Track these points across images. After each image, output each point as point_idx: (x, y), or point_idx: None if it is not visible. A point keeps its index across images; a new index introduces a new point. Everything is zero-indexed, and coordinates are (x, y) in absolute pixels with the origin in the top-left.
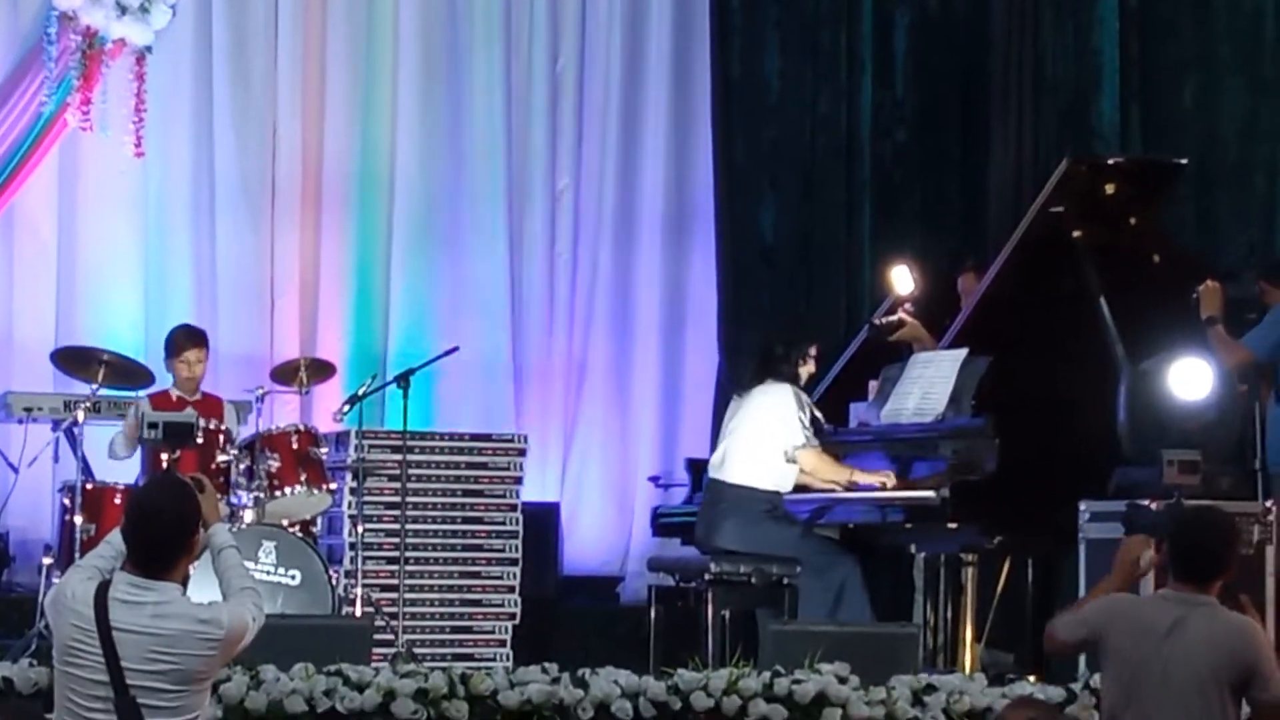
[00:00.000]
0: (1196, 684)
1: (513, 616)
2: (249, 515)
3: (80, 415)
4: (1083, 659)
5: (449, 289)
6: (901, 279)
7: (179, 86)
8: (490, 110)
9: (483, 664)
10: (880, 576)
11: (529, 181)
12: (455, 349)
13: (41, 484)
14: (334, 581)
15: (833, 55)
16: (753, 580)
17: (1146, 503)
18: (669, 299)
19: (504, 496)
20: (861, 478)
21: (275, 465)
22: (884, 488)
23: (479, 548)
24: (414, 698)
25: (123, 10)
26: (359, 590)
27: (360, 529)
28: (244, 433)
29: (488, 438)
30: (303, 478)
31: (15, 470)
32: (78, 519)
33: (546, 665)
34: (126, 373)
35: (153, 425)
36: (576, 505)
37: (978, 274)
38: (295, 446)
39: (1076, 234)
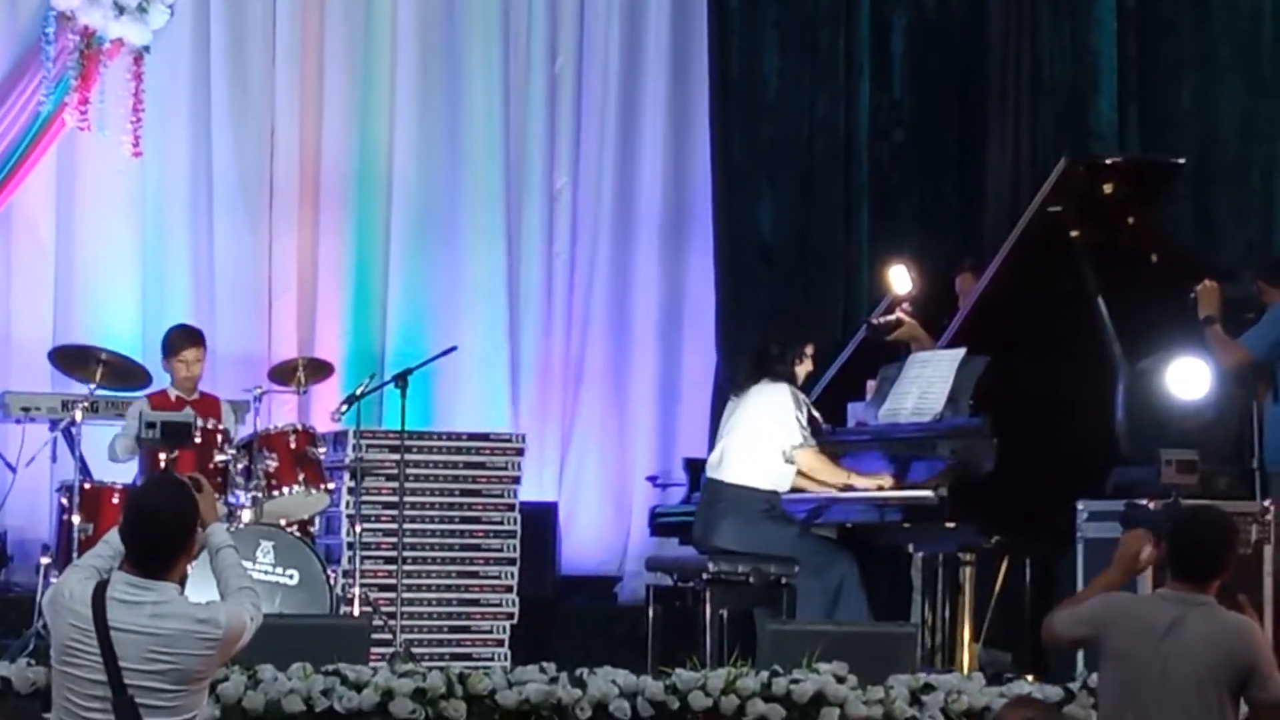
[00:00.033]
0: (1195, 683)
1: (510, 616)
2: (247, 515)
3: (78, 415)
4: (1081, 658)
5: (447, 288)
6: (899, 279)
7: (177, 86)
8: (488, 109)
9: (481, 664)
10: (878, 576)
11: (527, 181)
12: (453, 348)
13: (39, 484)
14: (332, 581)
15: (831, 56)
16: (751, 580)
17: (1144, 502)
18: (667, 298)
19: (502, 496)
20: (858, 481)
21: (273, 465)
22: (880, 491)
23: (477, 547)
24: (412, 697)
25: (120, 10)
26: (357, 590)
27: (358, 529)
28: (242, 432)
29: (485, 437)
30: (301, 477)
31: (13, 470)
32: (75, 519)
33: (544, 665)
34: (124, 373)
35: (151, 425)
36: (574, 505)
37: (975, 274)
38: (293, 446)
39: (1074, 234)
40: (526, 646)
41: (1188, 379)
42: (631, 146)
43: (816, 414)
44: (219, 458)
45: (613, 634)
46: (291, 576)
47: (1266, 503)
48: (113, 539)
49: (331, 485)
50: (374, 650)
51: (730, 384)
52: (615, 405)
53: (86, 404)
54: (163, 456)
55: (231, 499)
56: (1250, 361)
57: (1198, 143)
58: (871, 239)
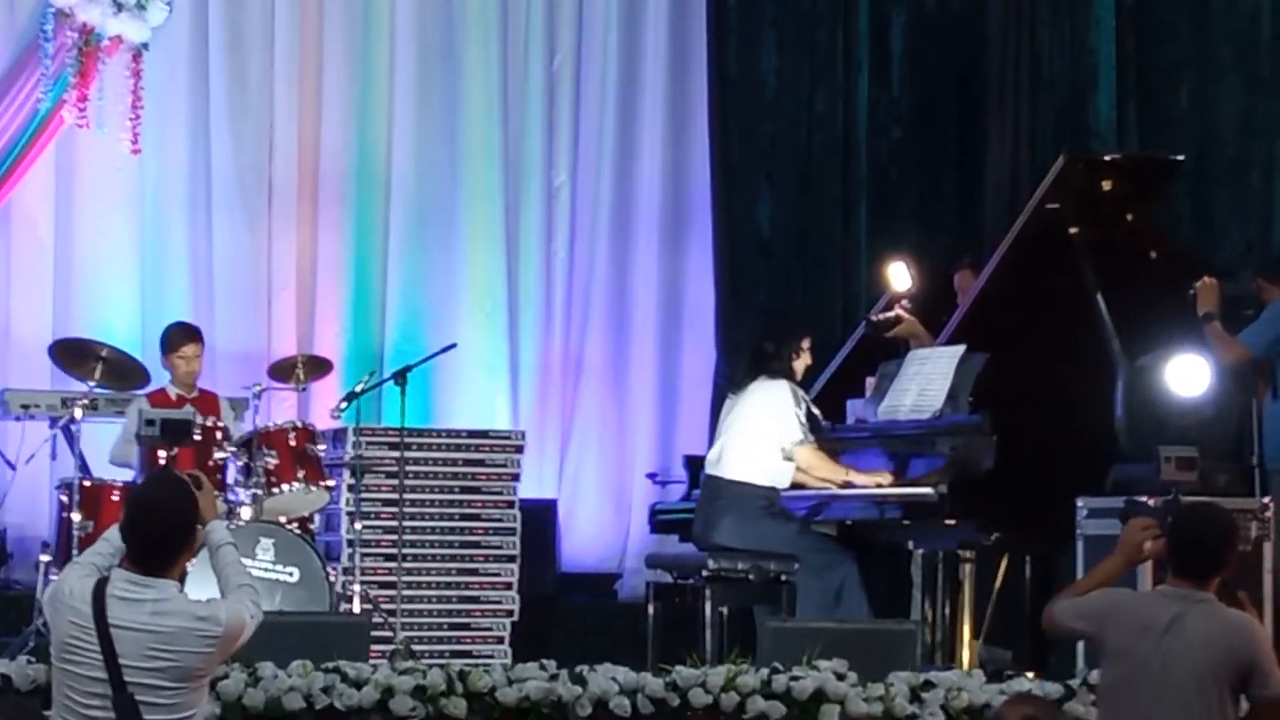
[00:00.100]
0: (1195, 680)
1: (510, 613)
2: (246, 512)
3: (78, 412)
4: (1081, 655)
5: (446, 286)
6: (898, 276)
7: (176, 83)
8: (487, 107)
9: (481, 661)
10: (878, 573)
11: (526, 179)
12: (453, 346)
13: (39, 481)
14: (332, 578)
15: (829, 53)
16: (750, 577)
17: (1144, 499)
18: (666, 296)
19: (501, 493)
20: (857, 478)
21: (273, 462)
22: (879, 488)
23: (477, 545)
24: (412, 695)
25: (119, 7)
26: (357, 587)
27: (358, 526)
28: (241, 430)
29: (485, 434)
30: (300, 475)
31: (13, 467)
32: (75, 516)
33: (545, 662)
34: (123, 372)
35: (150, 422)
36: (574, 502)
37: (974, 271)
38: (293, 443)
39: (1073, 231)
40: (526, 644)
41: (1187, 376)
42: (630, 144)
43: (816, 411)
44: (218, 455)
45: (613, 631)
46: (291, 574)
47: (1266, 499)
48: (113, 536)
49: (331, 482)
50: (374, 647)
51: (728, 383)
52: (615, 402)
53: (86, 401)
54: (162, 454)
55: (231, 496)
56: (1249, 358)
57: (1196, 141)
58: (870, 236)
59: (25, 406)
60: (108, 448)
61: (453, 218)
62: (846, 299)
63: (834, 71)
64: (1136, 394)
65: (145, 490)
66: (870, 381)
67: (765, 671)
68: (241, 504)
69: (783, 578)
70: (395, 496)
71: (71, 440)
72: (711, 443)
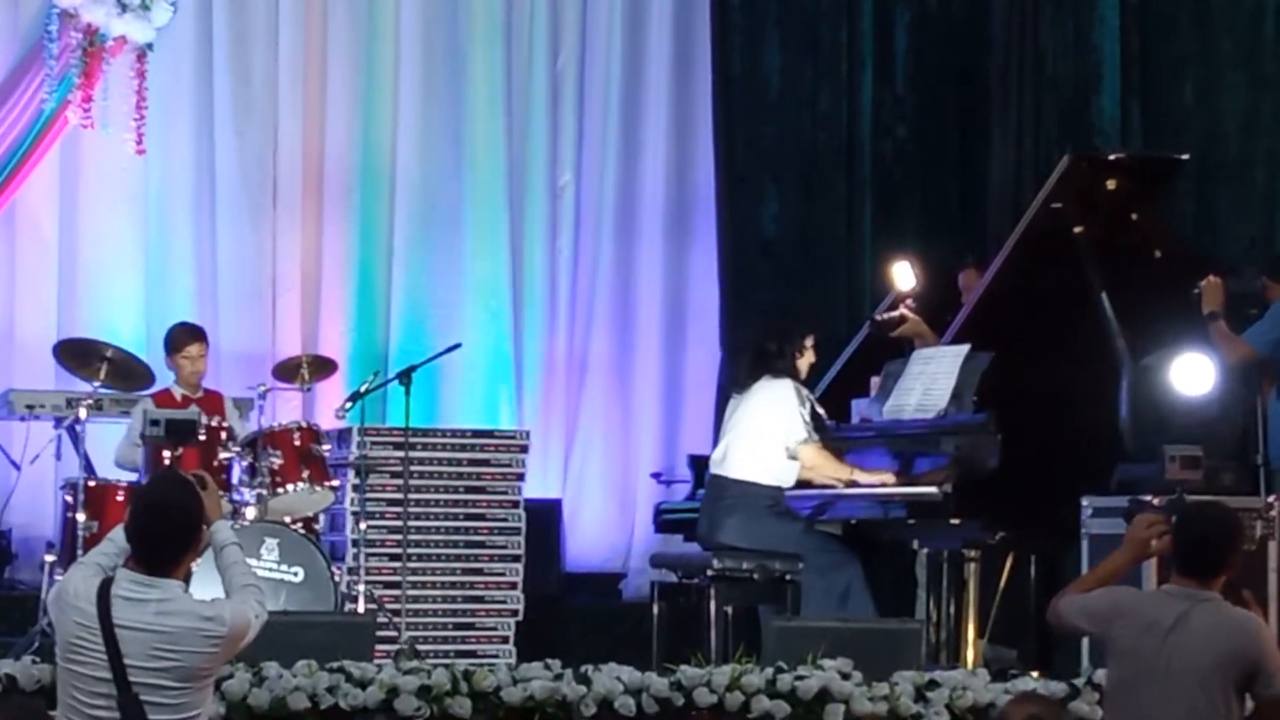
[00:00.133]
0: (1200, 679)
1: (515, 613)
2: (251, 512)
3: (82, 413)
4: (1085, 654)
5: (450, 286)
6: (903, 275)
7: (180, 84)
8: (491, 107)
9: (485, 661)
10: (883, 572)
11: (530, 178)
12: (457, 346)
13: (44, 481)
14: (336, 578)
15: (833, 52)
16: (755, 576)
17: (1149, 498)
18: (670, 295)
19: (506, 493)
20: (862, 477)
21: (277, 462)
22: (884, 488)
23: (481, 544)
24: (417, 694)
25: (124, 8)
26: (361, 587)
27: (363, 526)
28: (246, 430)
29: (490, 434)
30: (305, 475)
31: (17, 468)
32: (80, 516)
33: (549, 662)
34: (128, 372)
35: (155, 422)
36: (579, 502)
37: (979, 270)
38: (297, 443)
39: (1078, 230)
40: (531, 643)
41: (1192, 375)
42: (634, 143)
43: (820, 410)
44: (223, 455)
45: (617, 631)
46: (296, 574)
47: (1271, 499)
48: (117, 536)
49: (336, 482)
50: (379, 647)
51: (732, 383)
52: (619, 402)
53: (91, 401)
54: (167, 454)
55: (236, 496)
56: (1254, 357)
57: (1200, 139)
58: (874, 235)
59: (30, 407)
60: (112, 449)
61: (457, 218)
62: (851, 298)
63: (838, 71)
64: (1141, 393)
65: (150, 490)
66: (875, 381)
67: (770, 671)
68: (246, 504)
69: (787, 577)
70: (400, 496)
71: (76, 440)
72: (716, 442)
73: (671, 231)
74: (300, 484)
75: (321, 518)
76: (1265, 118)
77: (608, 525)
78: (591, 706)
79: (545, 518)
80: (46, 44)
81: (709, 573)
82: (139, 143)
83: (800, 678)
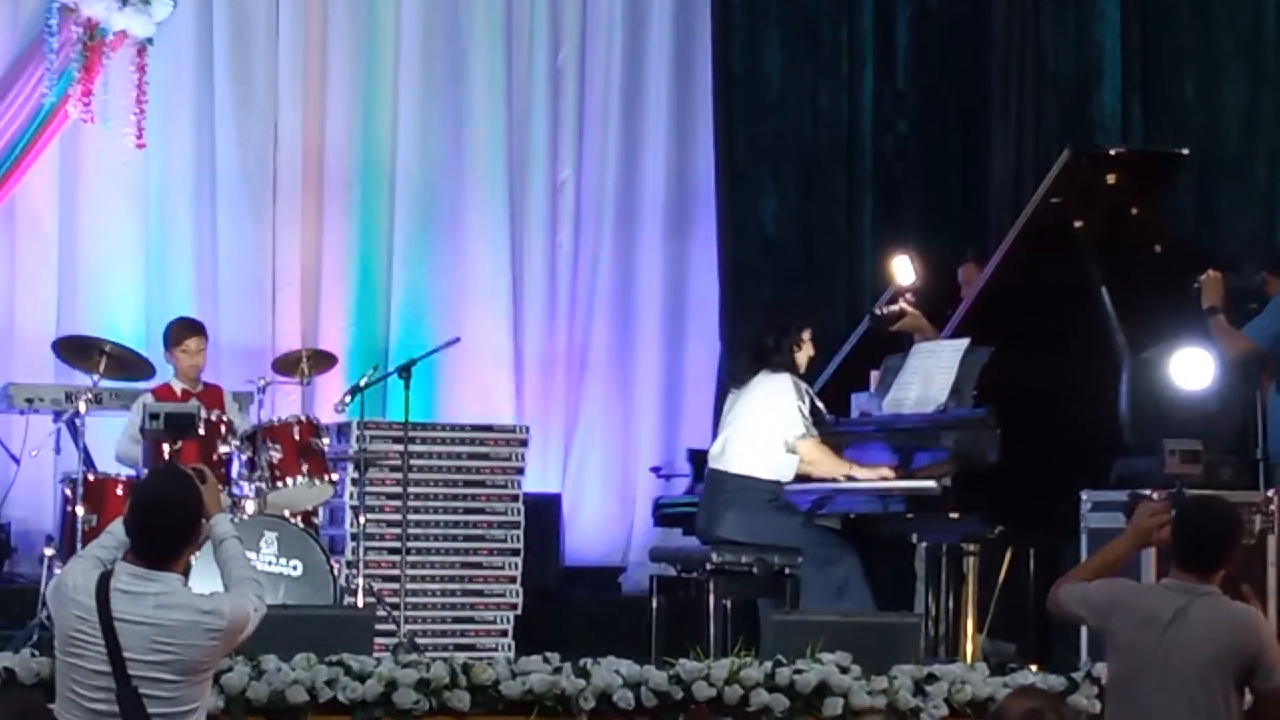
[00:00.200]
0: (1198, 673)
1: (514, 607)
2: (250, 506)
3: (82, 406)
4: (1084, 648)
5: (450, 280)
6: (903, 269)
7: (180, 78)
8: (491, 102)
9: (484, 654)
10: (882, 566)
11: (530, 173)
12: (456, 340)
13: (43, 475)
14: (336, 572)
15: (834, 48)
16: (754, 570)
17: (1148, 493)
18: (670, 290)
19: (505, 487)
20: (860, 473)
21: (277, 456)
22: (883, 482)
23: (481, 538)
24: (416, 688)
25: (124, 2)
26: (361, 581)
27: (362, 520)
28: (246, 424)
29: (489, 428)
30: (304, 468)
31: (17, 461)
32: (79, 510)
33: (548, 655)
34: (127, 365)
35: (155, 416)
36: (578, 496)
37: (978, 264)
38: (297, 437)
39: (1078, 224)
40: (530, 637)
41: (1191, 369)
42: (634, 138)
43: (820, 404)
44: (222, 449)
45: (616, 625)
46: (295, 567)
47: (1270, 493)
48: (116, 530)
49: (335, 476)
50: (378, 641)
51: (731, 378)
52: (619, 396)
53: (90, 395)
54: (166, 448)
55: (235, 490)
56: (1254, 352)
57: (1200, 134)
58: (875, 230)
59: (29, 400)
60: (112, 442)
61: (457, 212)
62: (851, 294)
63: (838, 67)
64: (1141, 387)
65: (150, 484)
66: (874, 375)
67: (769, 664)
68: (245, 498)
69: (786, 571)
70: (399, 490)
71: (76, 434)
72: (715, 437)
73: (672, 227)
74: (299, 478)
75: (321, 511)
76: (1266, 113)
77: (607, 519)
78: (590, 700)
79: (544, 512)
80: (47, 38)
81: (708, 566)
82: (139, 137)
83: (799, 671)
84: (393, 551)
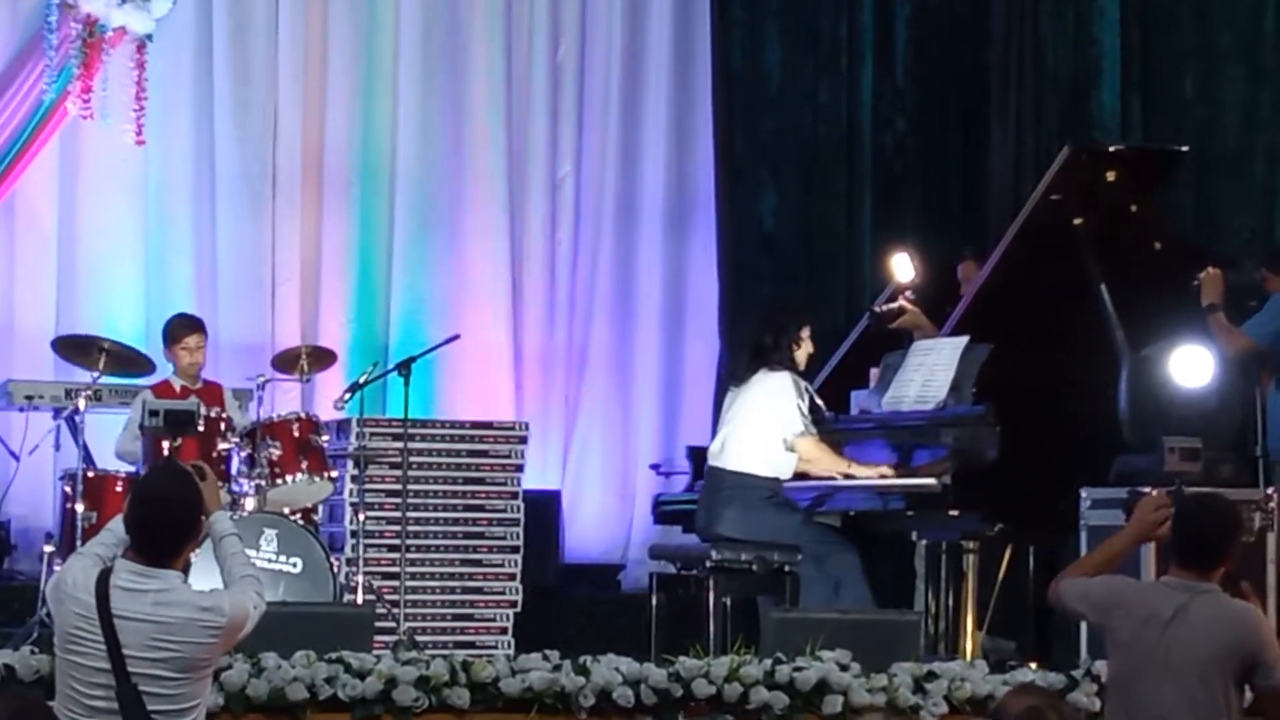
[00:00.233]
0: (1199, 670)
1: (514, 604)
2: (250, 503)
3: (81, 403)
4: (1084, 645)
5: (450, 277)
6: (902, 267)
7: (179, 74)
8: (491, 98)
9: (484, 651)
10: (881, 563)
11: (530, 170)
12: (456, 337)
13: (43, 472)
14: (335, 569)
15: (833, 45)
16: (754, 568)
17: (1148, 490)
18: (670, 287)
19: (505, 484)
20: (859, 470)
21: (276, 453)
22: (883, 479)
23: (480, 535)
24: (415, 685)
25: None
26: (360, 578)
27: (361, 517)
28: (245, 421)
29: (489, 425)
30: (304, 465)
31: (16, 458)
32: (79, 507)
33: (548, 653)
34: (127, 361)
35: (154, 413)
36: (578, 493)
37: (978, 262)
38: (296, 434)
39: (1077, 221)
40: (530, 634)
41: (1191, 367)
42: (634, 135)
43: (819, 401)
44: (222, 446)
45: (616, 622)
46: (295, 565)
47: (1270, 490)
48: (116, 527)
49: (335, 473)
50: (377, 638)
51: (730, 376)
52: (618, 393)
53: (90, 392)
54: (166, 445)
55: (235, 487)
56: (1253, 349)
57: (1200, 132)
58: (874, 227)
59: (29, 397)
60: (112, 439)
61: (457, 209)
62: (850, 291)
63: (838, 64)
64: (1140, 385)
65: (149, 481)
66: (874, 372)
67: (769, 662)
68: (245, 495)
69: (786, 568)
70: (399, 487)
71: (75, 431)
72: (714, 434)
73: (671, 224)
74: (299, 475)
75: (320, 509)
76: (1265, 111)
77: (606, 517)
78: (590, 697)
79: (544, 509)
80: (46, 35)
81: (708, 564)
82: (138, 133)
83: (799, 669)
84: (392, 549)
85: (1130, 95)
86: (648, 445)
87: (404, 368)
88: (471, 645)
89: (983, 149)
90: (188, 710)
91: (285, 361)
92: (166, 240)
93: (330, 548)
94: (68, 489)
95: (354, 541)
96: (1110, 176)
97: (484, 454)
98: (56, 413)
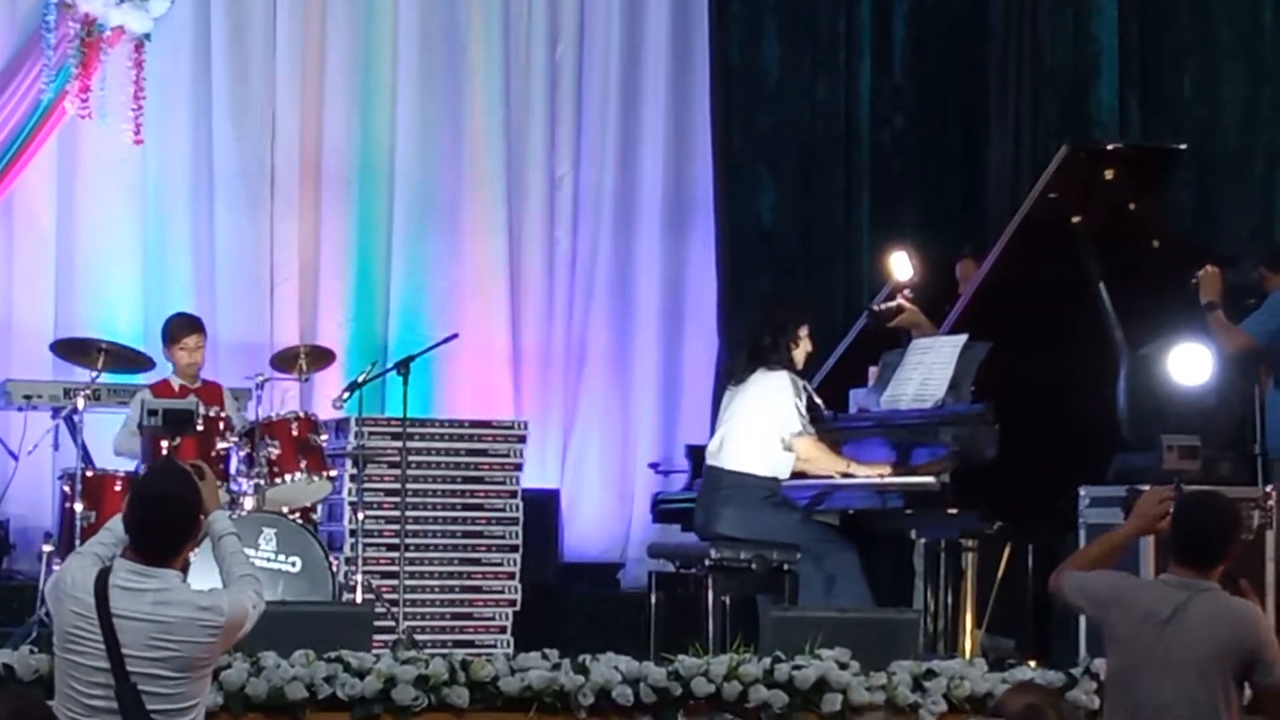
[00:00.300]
0: (1198, 669)
1: (513, 603)
2: (249, 502)
3: (80, 403)
4: (1083, 643)
5: (449, 275)
6: (900, 265)
7: (178, 74)
8: (489, 97)
9: (483, 650)
10: (880, 562)
11: (528, 168)
12: (455, 336)
13: (41, 471)
14: (334, 568)
15: (831, 41)
16: (753, 566)
17: (1147, 488)
18: (668, 285)
19: (504, 483)
20: (858, 469)
21: (275, 452)
22: (881, 478)
23: (479, 534)
24: (415, 684)
25: None
26: (359, 577)
27: (360, 516)
28: (244, 420)
29: (488, 424)
30: (303, 465)
31: (15, 458)
32: (78, 506)
33: (547, 652)
34: (126, 358)
35: (153, 412)
36: (577, 492)
37: (976, 260)
38: (295, 433)
39: (1075, 220)
40: (529, 633)
41: (1190, 365)
42: (632, 133)
43: (818, 400)
44: (221, 445)
45: (615, 621)
46: (294, 564)
47: (1268, 488)
48: (115, 526)
49: (333, 472)
50: (376, 637)
51: (728, 375)
52: (617, 392)
53: (88, 391)
54: (165, 444)
55: (233, 486)
56: (1252, 347)
57: (1199, 130)
58: (872, 225)
59: (28, 397)
60: (110, 438)
61: (455, 207)
62: (849, 288)
63: (836, 60)
64: (1139, 383)
65: (148, 480)
66: (873, 371)
67: (768, 661)
68: (244, 494)
69: (785, 567)
70: (398, 486)
71: (74, 430)
72: (713, 433)
73: (670, 222)
74: (298, 474)
75: (319, 508)
76: (1264, 109)
77: (605, 515)
78: (589, 696)
79: (543, 508)
80: (44, 34)
81: (707, 562)
82: (137, 133)
83: (798, 667)
84: (391, 548)
85: (1129, 93)
86: (646, 444)
87: (403, 367)
88: (470, 644)
89: (981, 147)
90: (187, 709)
91: (284, 361)
92: (165, 239)
93: (329, 547)
94: (66, 488)
95: (353, 540)
96: (1109, 175)
97: (483, 453)
98: (55, 412)
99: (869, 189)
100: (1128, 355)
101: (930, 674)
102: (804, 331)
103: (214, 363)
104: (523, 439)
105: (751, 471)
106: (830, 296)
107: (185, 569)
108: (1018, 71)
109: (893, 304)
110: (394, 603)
